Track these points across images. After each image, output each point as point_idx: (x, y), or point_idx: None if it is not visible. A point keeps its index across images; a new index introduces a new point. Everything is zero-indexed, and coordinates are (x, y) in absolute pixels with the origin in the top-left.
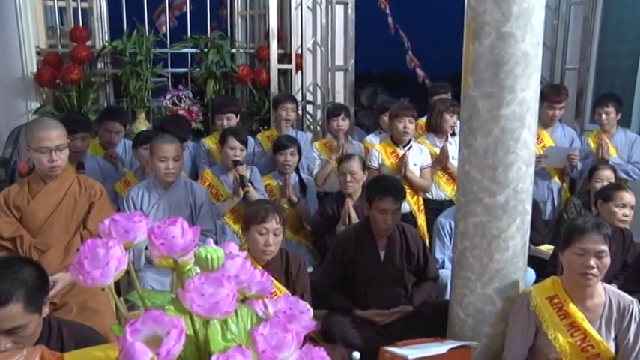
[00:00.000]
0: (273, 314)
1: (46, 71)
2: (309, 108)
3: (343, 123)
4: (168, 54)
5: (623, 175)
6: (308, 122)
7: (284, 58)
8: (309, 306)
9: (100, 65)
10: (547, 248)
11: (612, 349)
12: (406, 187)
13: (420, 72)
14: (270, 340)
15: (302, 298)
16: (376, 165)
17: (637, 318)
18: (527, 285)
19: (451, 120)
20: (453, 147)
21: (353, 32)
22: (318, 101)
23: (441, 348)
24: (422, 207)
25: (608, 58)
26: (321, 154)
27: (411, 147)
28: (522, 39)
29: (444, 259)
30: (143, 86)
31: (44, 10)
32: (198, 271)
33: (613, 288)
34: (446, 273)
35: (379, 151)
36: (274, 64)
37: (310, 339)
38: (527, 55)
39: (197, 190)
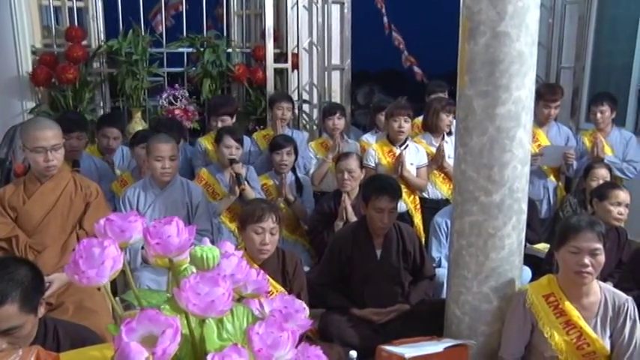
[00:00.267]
0: (269, 313)
1: (41, 71)
2: (306, 107)
3: (339, 122)
4: (164, 53)
5: (619, 174)
6: (304, 121)
7: (280, 57)
8: (305, 305)
9: (95, 65)
10: (543, 247)
11: (608, 347)
12: (402, 186)
13: (417, 70)
14: (266, 339)
15: (299, 297)
16: (373, 164)
17: (632, 316)
18: (523, 283)
19: (447, 119)
20: (449, 146)
21: (349, 31)
22: (315, 100)
23: (437, 347)
24: (418, 206)
25: (604, 57)
26: (317, 154)
27: (407, 146)
28: (517, 38)
29: (440, 258)
30: (139, 86)
31: (39, 10)
32: (194, 270)
33: (608, 286)
34: (442, 272)
35: (376, 150)
36: (270, 64)
37: (307, 338)
38: (522, 54)
39: (193, 189)
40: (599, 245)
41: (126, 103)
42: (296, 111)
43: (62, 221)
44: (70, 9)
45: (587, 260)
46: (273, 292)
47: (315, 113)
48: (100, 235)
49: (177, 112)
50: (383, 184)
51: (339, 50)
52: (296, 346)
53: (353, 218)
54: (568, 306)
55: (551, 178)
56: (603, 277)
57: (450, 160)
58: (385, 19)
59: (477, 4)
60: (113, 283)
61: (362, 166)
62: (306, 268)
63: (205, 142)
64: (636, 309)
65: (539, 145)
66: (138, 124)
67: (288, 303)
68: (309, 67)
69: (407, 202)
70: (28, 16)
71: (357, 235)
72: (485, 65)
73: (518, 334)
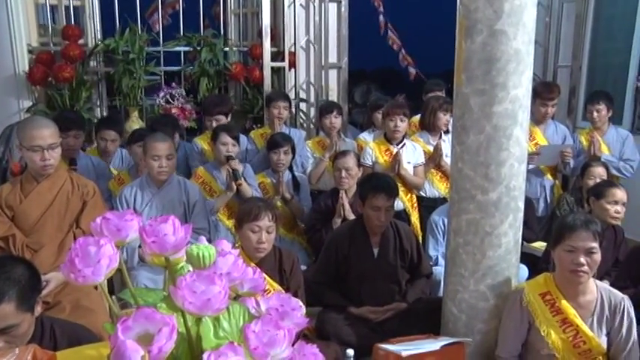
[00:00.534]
0: (265, 312)
1: (38, 69)
2: (303, 106)
3: (336, 120)
4: (161, 52)
5: (615, 172)
6: (301, 120)
7: (277, 56)
8: (301, 303)
9: (92, 63)
10: (540, 245)
11: (604, 345)
12: (400, 184)
13: (411, 70)
14: (262, 337)
15: (296, 295)
16: (370, 162)
17: (629, 315)
18: (520, 282)
19: (444, 118)
20: (446, 145)
21: (346, 30)
22: (312, 99)
23: (434, 345)
24: (415, 204)
25: (600, 55)
26: (314, 153)
27: (404, 145)
28: (514, 36)
29: (437, 256)
30: (136, 84)
31: (36, 8)
32: (191, 269)
33: (605, 285)
34: (439, 270)
35: (373, 149)
36: (267, 62)
37: (304, 336)
38: (519, 52)
39: (190, 188)
40: (595, 244)
41: (123, 101)
42: (293, 110)
43: (59, 220)
44: (67, 7)
45: (582, 259)
46: (270, 291)
47: (313, 112)
48: (97, 234)
49: (174, 110)
50: (380, 183)
51: (336, 49)
52: (292, 345)
53: (351, 216)
54: (564, 304)
55: (549, 176)
56: (600, 276)
57: (447, 159)
58: (381, 18)
59: (474, 3)
60: (110, 281)
61: (359, 164)
62: (304, 267)
63: (201, 142)
64: (632, 307)
65: (536, 144)
66: (135, 123)
67: (285, 301)
68: (306, 66)
69: (404, 201)
70: (25, 15)
71: (354, 233)
72: (482, 63)
73: (515, 333)
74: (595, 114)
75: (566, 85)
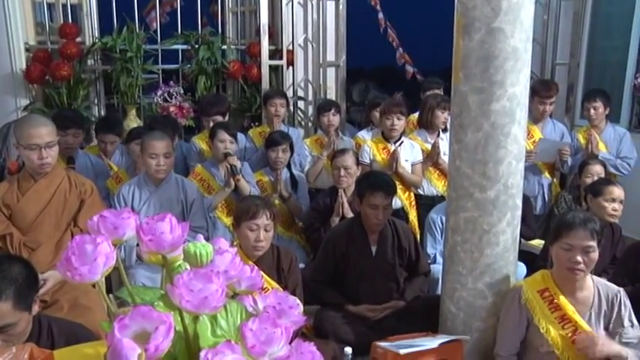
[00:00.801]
0: (262, 310)
1: (35, 68)
2: (301, 104)
3: (334, 118)
4: (159, 50)
5: (613, 170)
6: (299, 118)
7: (275, 54)
8: (298, 301)
9: (90, 62)
10: (538, 243)
11: None
12: (397, 182)
13: (408, 68)
14: (259, 335)
15: (294, 294)
16: (367, 161)
17: (626, 304)
18: (517, 279)
19: (442, 116)
20: (444, 143)
21: (344, 28)
22: (310, 97)
23: (432, 343)
24: (413, 202)
25: (598, 53)
26: (312, 151)
27: (402, 143)
28: (512, 34)
29: (435, 254)
30: (134, 83)
31: (33, 6)
32: (188, 267)
33: (600, 279)
34: (437, 268)
35: (370, 147)
36: (265, 60)
37: (302, 335)
38: (516, 50)
39: (188, 186)
40: (592, 243)
41: (120, 100)
42: (291, 108)
43: (56, 219)
44: (64, 6)
45: (579, 257)
46: (268, 289)
47: (310, 110)
48: (93, 232)
49: (172, 109)
50: (377, 181)
51: (334, 47)
52: (290, 343)
53: (349, 214)
54: (563, 300)
55: (546, 174)
56: (597, 273)
57: (445, 157)
58: (380, 15)
59: (472, 1)
60: (108, 280)
61: (358, 162)
62: (302, 265)
63: (200, 142)
64: (628, 299)
65: (534, 142)
66: (132, 122)
67: (282, 299)
68: (304, 64)
69: (402, 199)
70: (22, 13)
71: (352, 231)
72: (479, 61)
73: (514, 330)
74: (592, 111)
75: (564, 82)
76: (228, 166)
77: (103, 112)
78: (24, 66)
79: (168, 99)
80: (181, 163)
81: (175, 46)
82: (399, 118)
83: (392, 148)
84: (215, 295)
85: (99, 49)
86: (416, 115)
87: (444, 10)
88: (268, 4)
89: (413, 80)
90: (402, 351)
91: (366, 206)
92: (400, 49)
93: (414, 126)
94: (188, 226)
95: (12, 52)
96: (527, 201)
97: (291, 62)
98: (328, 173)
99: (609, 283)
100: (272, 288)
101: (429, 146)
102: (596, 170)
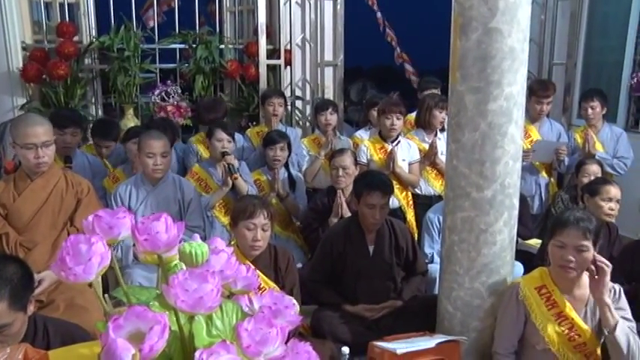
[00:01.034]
0: (258, 310)
1: (32, 67)
2: (299, 104)
3: (331, 117)
4: (157, 49)
5: (609, 170)
6: (297, 118)
7: (273, 53)
8: (295, 301)
9: (87, 61)
10: (535, 242)
11: (599, 339)
12: (395, 182)
13: (408, 67)
14: (255, 335)
15: (291, 293)
16: (365, 160)
17: (621, 296)
18: (515, 279)
19: (440, 116)
20: (442, 142)
21: (342, 27)
22: (308, 97)
23: (429, 342)
24: (411, 202)
25: (595, 53)
26: (310, 150)
27: (399, 142)
28: (509, 34)
29: (432, 254)
30: (131, 82)
31: (30, 5)
32: (185, 267)
33: None
34: (435, 267)
35: (368, 147)
36: (263, 60)
37: (299, 334)
38: (513, 50)
39: (185, 186)
40: (586, 242)
41: (118, 99)
42: (288, 107)
43: (53, 218)
44: (61, 4)
45: (571, 256)
46: (265, 289)
47: (308, 110)
48: (88, 232)
49: (169, 108)
50: (374, 180)
51: (332, 46)
52: (286, 343)
53: (348, 215)
54: (560, 297)
55: (543, 174)
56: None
57: (442, 157)
58: (379, 15)
59: (469, 0)
60: (105, 280)
61: (356, 162)
62: (299, 265)
63: (197, 144)
64: (623, 293)
65: (531, 142)
66: (130, 121)
67: (278, 299)
68: (301, 64)
69: (399, 199)
70: (18, 12)
71: (349, 231)
72: (477, 61)
73: (512, 328)
74: (590, 111)
75: (561, 82)
76: (226, 165)
77: (100, 112)
78: (21, 65)
79: (166, 98)
80: (177, 165)
81: (173, 46)
82: (398, 118)
83: (389, 147)
84: (210, 295)
85: (96, 48)
86: (413, 114)
87: (441, 9)
88: (266, 4)
89: (411, 80)
90: (400, 351)
91: (363, 206)
92: (398, 49)
93: (412, 126)
94: (184, 226)
95: (9, 51)
96: (524, 200)
97: (288, 62)
98: (326, 173)
99: None
100: (269, 288)
101: (426, 146)
102: (593, 170)
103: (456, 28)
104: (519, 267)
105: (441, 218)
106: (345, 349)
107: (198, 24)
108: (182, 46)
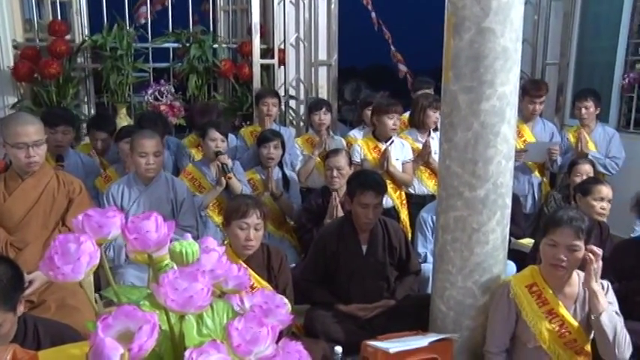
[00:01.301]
0: (249, 309)
1: (23, 65)
2: (292, 103)
3: (325, 117)
4: (150, 48)
5: (602, 170)
6: (291, 117)
7: (267, 53)
8: (286, 300)
9: (79, 60)
10: (528, 242)
11: (588, 335)
12: (388, 181)
13: (401, 67)
14: (245, 334)
15: (284, 293)
16: (358, 160)
17: (609, 295)
18: None
19: (434, 116)
20: (435, 142)
21: (336, 27)
22: (302, 96)
23: (422, 341)
24: (404, 201)
25: (588, 53)
26: (304, 150)
27: (392, 142)
28: (502, 34)
29: (426, 254)
30: (124, 81)
31: (21, 3)
32: (176, 266)
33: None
34: (428, 267)
35: (361, 146)
36: (257, 59)
37: (292, 334)
38: (506, 49)
39: (178, 185)
40: (578, 242)
41: (111, 98)
42: (282, 107)
43: (44, 218)
44: (53, 3)
45: (563, 255)
46: (257, 288)
47: (302, 109)
48: (78, 231)
49: (162, 107)
50: (368, 180)
51: (326, 46)
52: (277, 342)
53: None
54: (550, 295)
55: (536, 173)
56: None
57: (436, 156)
58: (373, 14)
59: (462, 0)
60: (97, 279)
61: (351, 163)
62: (292, 265)
63: (190, 148)
64: (611, 287)
65: (524, 141)
66: (123, 120)
67: (269, 298)
68: (295, 63)
69: (393, 198)
70: (9, 10)
71: (342, 230)
72: (469, 61)
73: (503, 326)
74: (583, 111)
75: (554, 82)
76: (220, 165)
77: (92, 111)
78: (12, 63)
79: (159, 98)
80: (170, 159)
81: (166, 45)
82: (398, 118)
83: (382, 147)
84: (200, 295)
85: (89, 47)
86: (407, 114)
87: (434, 9)
88: (260, 3)
89: (404, 79)
90: (392, 350)
91: (357, 205)
92: (393, 48)
93: (405, 125)
94: (175, 225)
95: None
96: (516, 200)
97: (282, 61)
98: (320, 172)
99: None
100: (261, 287)
101: (419, 145)
102: (585, 170)
103: (449, 27)
104: (512, 266)
105: (434, 217)
106: (338, 349)
107: (192, 23)
108: (175, 45)
